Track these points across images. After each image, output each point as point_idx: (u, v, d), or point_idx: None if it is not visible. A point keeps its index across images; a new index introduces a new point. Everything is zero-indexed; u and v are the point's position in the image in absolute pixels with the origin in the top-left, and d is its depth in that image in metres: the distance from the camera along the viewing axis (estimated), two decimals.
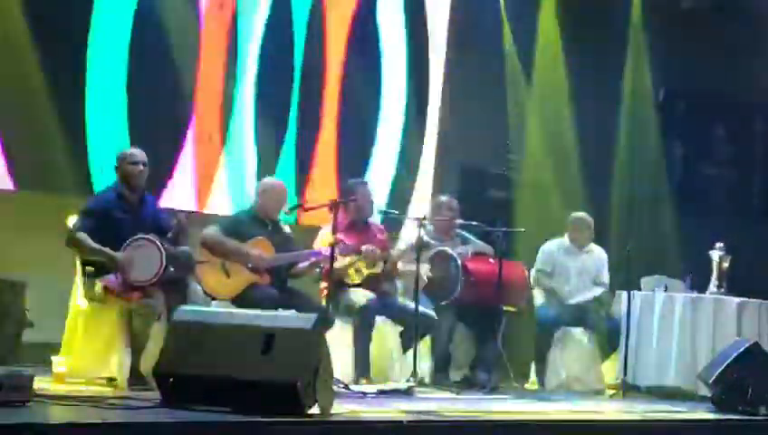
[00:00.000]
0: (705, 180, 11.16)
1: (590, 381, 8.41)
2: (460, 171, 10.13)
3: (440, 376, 7.83)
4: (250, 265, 7.15)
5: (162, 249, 6.42)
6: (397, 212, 8.25)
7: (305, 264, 7.36)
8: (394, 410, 6.00)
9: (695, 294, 8.48)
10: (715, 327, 8.22)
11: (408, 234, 8.00)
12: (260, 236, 7.28)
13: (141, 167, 6.70)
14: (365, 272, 7.58)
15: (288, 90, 9.01)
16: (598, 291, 8.55)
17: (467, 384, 7.85)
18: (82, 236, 6.51)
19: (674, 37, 10.46)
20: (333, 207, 7.14)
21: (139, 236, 6.47)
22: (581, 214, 8.75)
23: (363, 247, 7.50)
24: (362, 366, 7.36)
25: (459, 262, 7.84)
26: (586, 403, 7.49)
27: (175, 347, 5.43)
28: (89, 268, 6.61)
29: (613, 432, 6.42)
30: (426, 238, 7.74)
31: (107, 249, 6.47)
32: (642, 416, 6.96)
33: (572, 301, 8.47)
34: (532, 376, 8.46)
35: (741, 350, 7.40)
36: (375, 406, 6.18)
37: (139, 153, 6.77)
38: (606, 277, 8.65)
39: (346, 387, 6.78)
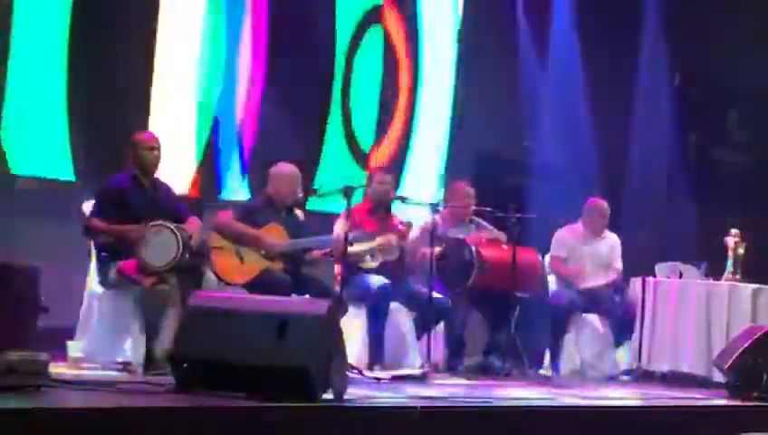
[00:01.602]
0: (721, 166, 11.12)
1: (604, 367, 8.40)
2: (474, 157, 10.12)
3: (454, 362, 7.83)
4: (263, 253, 7.16)
5: (179, 236, 6.42)
6: (412, 199, 8.23)
7: (319, 252, 7.35)
8: (408, 396, 6.00)
9: (710, 281, 8.46)
10: (730, 313, 8.20)
11: (423, 220, 7.99)
12: (273, 222, 7.27)
13: (157, 152, 6.71)
14: (380, 258, 7.58)
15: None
16: (612, 277, 8.53)
17: (481, 370, 7.85)
18: (99, 222, 6.53)
19: (690, 22, 10.41)
20: (347, 192, 7.13)
21: (157, 222, 6.47)
22: (597, 200, 8.74)
23: (379, 238, 7.49)
24: (376, 352, 7.37)
25: (473, 248, 7.82)
26: (600, 389, 7.48)
27: (189, 332, 5.43)
28: (104, 253, 6.63)
29: (628, 418, 6.40)
30: (440, 225, 7.73)
31: (125, 227, 6.47)
32: (657, 402, 6.94)
33: (585, 285, 8.45)
34: (547, 362, 8.46)
35: (756, 336, 7.37)
36: (389, 392, 6.18)
37: (152, 137, 6.78)
38: (619, 264, 8.64)
39: (360, 373, 6.77)
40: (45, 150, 7.68)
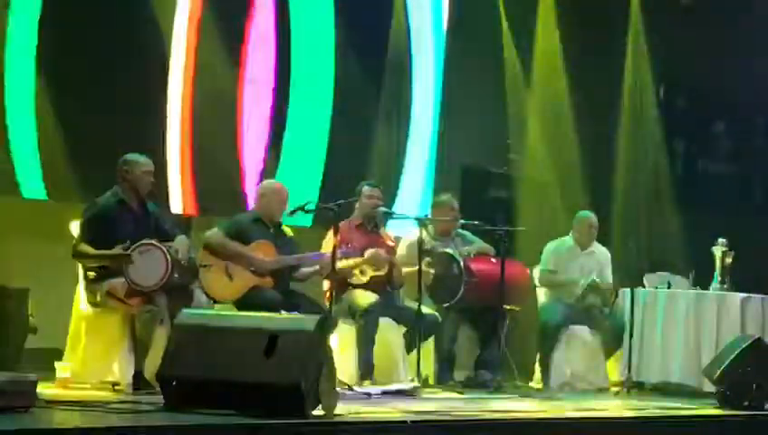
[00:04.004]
0: (707, 177, 11.16)
1: (594, 379, 8.40)
2: (461, 171, 10.14)
3: (444, 376, 7.82)
4: (252, 270, 7.15)
5: (168, 255, 6.41)
6: (398, 213, 8.24)
7: (309, 269, 7.35)
8: (398, 411, 5.99)
9: (698, 291, 8.48)
10: (719, 323, 8.22)
11: (410, 235, 7.99)
12: (262, 238, 7.27)
13: (152, 178, 6.72)
14: (370, 273, 7.58)
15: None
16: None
17: (471, 384, 7.84)
18: (87, 248, 6.51)
19: (674, 34, 10.46)
20: (335, 209, 7.13)
21: (145, 241, 6.46)
22: (586, 213, 8.75)
23: (367, 252, 7.49)
24: (366, 367, 7.36)
25: (462, 263, 7.83)
26: (591, 402, 7.48)
27: (178, 350, 5.43)
28: (91, 274, 6.61)
29: (618, 430, 6.40)
30: (427, 239, 7.74)
31: (113, 250, 6.46)
32: (647, 413, 6.95)
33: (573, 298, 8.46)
34: (537, 375, 8.46)
35: (745, 345, 7.39)
36: (379, 407, 6.17)
37: (148, 161, 6.77)
38: (610, 277, 8.65)
39: (350, 388, 6.77)
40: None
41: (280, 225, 7.45)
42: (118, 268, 6.45)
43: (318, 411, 5.26)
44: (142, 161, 6.76)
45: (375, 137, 9.59)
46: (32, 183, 7.70)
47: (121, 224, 6.60)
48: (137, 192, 6.70)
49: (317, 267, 7.32)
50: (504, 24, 10.13)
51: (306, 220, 7.75)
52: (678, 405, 7.37)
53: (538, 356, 8.49)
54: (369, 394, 6.72)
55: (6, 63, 7.54)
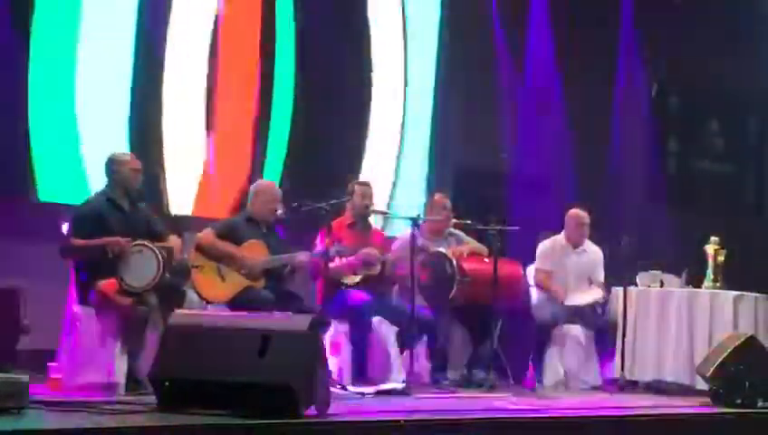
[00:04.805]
0: (699, 175, 11.17)
1: (587, 377, 8.41)
2: (454, 170, 10.14)
3: (438, 375, 7.82)
4: (243, 272, 7.14)
5: (159, 256, 6.40)
6: (390, 212, 8.24)
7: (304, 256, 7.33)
8: (392, 410, 5.98)
9: (691, 289, 8.49)
10: (712, 321, 8.21)
11: (402, 234, 7.99)
12: (254, 238, 7.27)
13: (140, 174, 6.70)
14: (362, 273, 7.58)
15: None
16: (597, 294, 8.51)
17: (465, 383, 7.84)
18: (78, 242, 6.50)
19: (666, 33, 10.47)
20: (328, 207, 7.13)
21: (137, 241, 6.45)
22: (578, 211, 8.75)
23: (361, 252, 7.49)
24: (359, 367, 7.35)
25: (454, 262, 7.83)
26: (584, 400, 7.49)
27: (171, 351, 5.42)
28: (83, 274, 6.60)
29: (612, 429, 6.41)
30: (420, 238, 7.74)
31: (103, 239, 6.44)
32: (640, 412, 6.95)
33: (569, 303, 8.45)
34: (530, 374, 8.44)
35: (738, 343, 7.40)
36: (373, 406, 6.17)
37: (135, 158, 6.76)
38: (602, 276, 8.65)
39: (343, 388, 6.77)
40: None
41: (272, 224, 7.44)
42: (110, 263, 6.42)
43: (311, 411, 5.26)
44: (129, 159, 6.75)
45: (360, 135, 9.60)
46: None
47: (111, 223, 6.59)
48: (126, 191, 6.69)
49: (308, 262, 7.31)
50: (497, 25, 10.12)
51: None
52: (671, 403, 7.37)
53: (531, 355, 8.48)
54: (362, 394, 6.72)
55: None
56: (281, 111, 9.06)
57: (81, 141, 7.89)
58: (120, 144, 7.87)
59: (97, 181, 7.18)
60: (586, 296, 8.51)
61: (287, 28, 9.07)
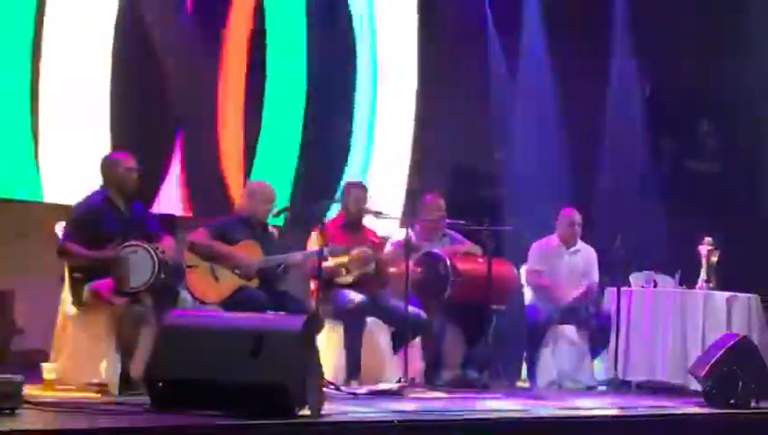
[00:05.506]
0: (693, 175, 11.18)
1: (581, 378, 8.42)
2: (446, 170, 10.14)
3: (431, 375, 7.82)
4: (237, 272, 7.14)
5: (155, 256, 6.40)
6: (384, 213, 8.23)
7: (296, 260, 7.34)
8: (385, 411, 5.99)
9: (684, 290, 8.50)
10: (705, 322, 8.23)
11: (396, 234, 7.99)
12: (248, 239, 7.26)
13: (136, 174, 6.69)
14: (356, 272, 7.58)
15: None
16: (583, 287, 8.50)
17: (459, 383, 7.84)
18: (74, 246, 6.49)
19: (660, 34, 10.48)
20: (321, 208, 7.13)
21: (132, 242, 6.44)
22: (570, 211, 8.76)
23: (353, 252, 7.49)
24: (353, 367, 7.36)
25: (448, 262, 7.83)
26: (577, 400, 7.50)
27: (164, 351, 5.42)
28: (77, 274, 6.59)
29: (605, 429, 6.42)
30: (414, 239, 7.74)
31: (101, 252, 6.44)
32: (634, 412, 6.96)
33: (562, 303, 8.45)
34: (524, 374, 8.47)
35: (730, 344, 7.41)
36: (366, 407, 6.17)
37: (131, 158, 6.76)
38: (595, 276, 8.66)
39: (337, 388, 6.77)
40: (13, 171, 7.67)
41: (266, 225, 7.44)
42: (105, 269, 6.43)
43: (304, 411, 5.26)
44: (124, 159, 6.75)
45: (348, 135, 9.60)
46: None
47: (108, 223, 6.59)
48: (122, 191, 6.68)
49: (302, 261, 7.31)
50: (491, 24, 10.13)
51: (278, 221, 7.72)
52: (664, 404, 7.39)
53: (525, 355, 8.49)
54: (355, 394, 6.72)
55: None
56: (280, 111, 9.08)
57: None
58: (103, 144, 7.86)
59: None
60: (573, 292, 8.52)
61: (279, 27, 9.09)
